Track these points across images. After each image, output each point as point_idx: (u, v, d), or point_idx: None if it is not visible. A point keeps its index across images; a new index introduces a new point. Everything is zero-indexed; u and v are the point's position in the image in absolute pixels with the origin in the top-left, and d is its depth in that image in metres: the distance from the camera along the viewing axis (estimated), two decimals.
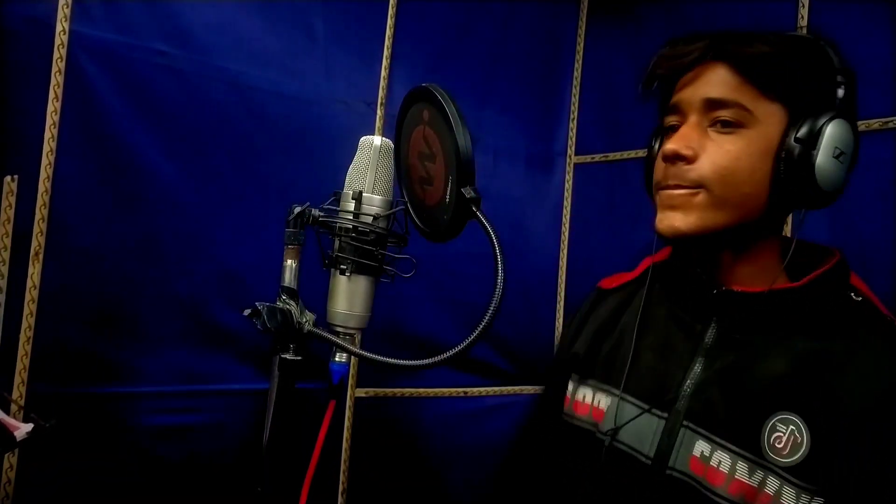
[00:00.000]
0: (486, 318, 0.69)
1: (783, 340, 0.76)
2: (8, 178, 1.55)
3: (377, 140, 0.84)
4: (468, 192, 0.75)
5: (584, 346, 0.95)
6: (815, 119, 0.73)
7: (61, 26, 1.62)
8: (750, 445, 0.73)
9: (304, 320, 0.78)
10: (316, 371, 0.84)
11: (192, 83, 1.82)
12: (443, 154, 0.79)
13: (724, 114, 0.75)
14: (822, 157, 0.72)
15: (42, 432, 1.30)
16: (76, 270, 1.66)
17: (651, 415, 0.82)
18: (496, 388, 2.29)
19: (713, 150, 0.75)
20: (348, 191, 0.82)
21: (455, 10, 2.28)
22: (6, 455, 1.53)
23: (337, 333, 0.81)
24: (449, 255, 1.04)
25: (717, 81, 0.76)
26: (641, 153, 2.36)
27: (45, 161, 1.60)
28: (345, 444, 2.09)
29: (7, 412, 1.39)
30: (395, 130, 0.90)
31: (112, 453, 1.68)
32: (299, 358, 0.78)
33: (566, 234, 2.42)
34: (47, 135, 1.60)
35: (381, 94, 2.15)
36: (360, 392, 2.11)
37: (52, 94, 1.61)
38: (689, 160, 0.76)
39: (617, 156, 2.42)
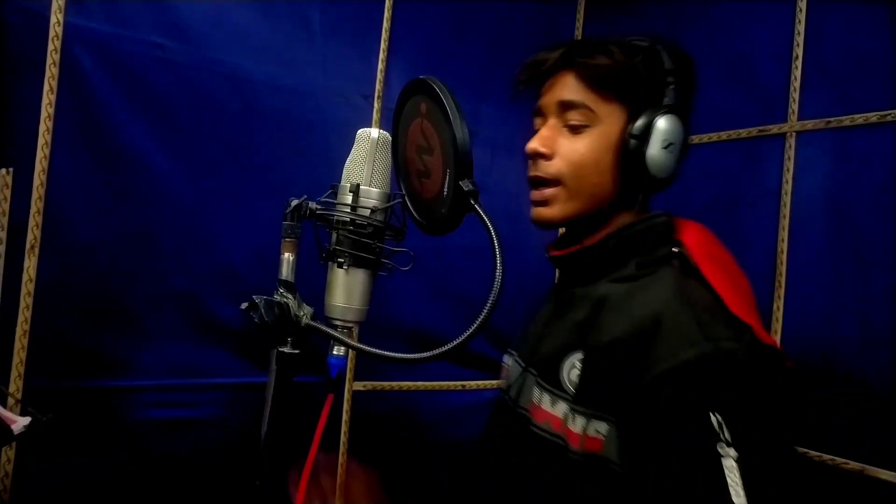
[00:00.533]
0: (485, 311, 0.69)
1: (587, 290, 0.88)
2: (3, 170, 1.54)
3: (374, 132, 0.83)
4: (466, 186, 0.75)
5: (523, 326, 1.07)
6: (648, 116, 0.84)
7: (56, 18, 1.61)
8: (552, 381, 0.84)
9: (302, 314, 0.78)
10: (314, 364, 0.84)
11: (189, 76, 1.81)
12: (440, 147, 0.78)
13: (574, 115, 0.86)
14: (653, 148, 0.84)
15: (39, 426, 1.30)
16: (72, 264, 1.65)
17: (518, 366, 0.97)
18: (494, 382, 2.29)
19: (566, 148, 0.86)
20: (346, 184, 0.82)
21: (453, 3, 2.27)
22: (3, 448, 1.53)
23: (335, 327, 0.81)
24: (447, 249, 1.05)
25: (568, 86, 0.87)
26: None
27: (40, 154, 1.59)
28: (343, 438, 2.09)
29: (4, 406, 1.38)
30: (393, 123, 0.90)
31: (109, 447, 1.68)
32: (297, 351, 0.77)
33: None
34: (42, 127, 1.60)
35: (378, 86, 2.14)
36: (358, 385, 2.11)
37: (46, 87, 1.60)
38: (548, 157, 0.87)
39: None
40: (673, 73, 0.87)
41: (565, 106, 0.87)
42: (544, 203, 0.88)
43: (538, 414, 0.85)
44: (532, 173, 0.88)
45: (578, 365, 0.81)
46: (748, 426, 0.68)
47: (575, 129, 0.86)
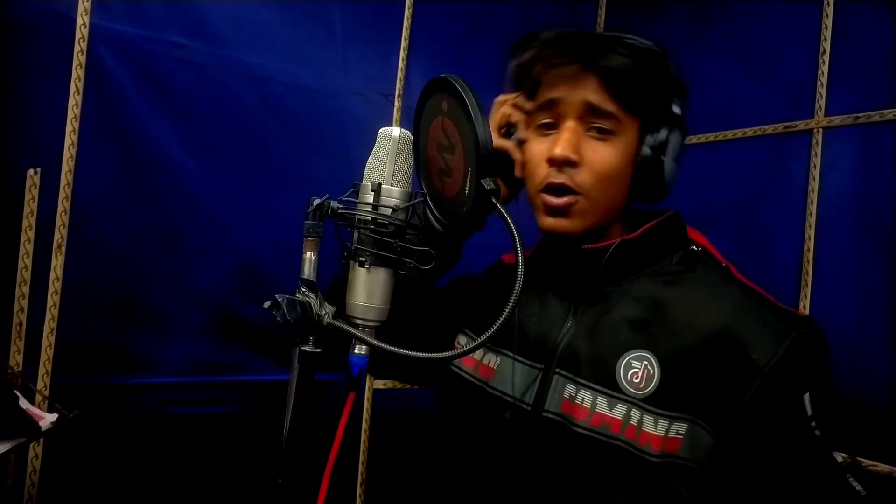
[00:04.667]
0: (507, 309, 0.69)
1: (632, 288, 0.86)
2: (31, 171, 1.57)
3: (396, 131, 0.83)
4: (488, 184, 0.74)
5: (478, 310, 0.99)
6: (664, 130, 0.84)
7: (82, 20, 1.63)
8: (608, 383, 0.81)
9: (324, 312, 0.78)
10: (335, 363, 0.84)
11: (211, 76, 1.83)
12: (462, 145, 0.78)
13: (600, 122, 0.82)
14: (669, 161, 0.84)
15: (66, 422, 1.32)
16: (98, 262, 1.68)
17: (533, 368, 0.89)
18: None
19: (591, 157, 0.82)
20: (367, 182, 0.81)
21: (472, 2, 2.27)
22: (31, 444, 1.55)
23: (356, 326, 0.81)
24: (466, 247, 1.05)
25: (593, 90, 0.82)
26: None
27: (66, 154, 1.62)
28: (363, 436, 2.10)
29: (32, 402, 1.41)
30: (414, 122, 0.90)
31: (133, 443, 1.70)
32: (319, 350, 0.77)
33: None
34: (69, 128, 1.62)
35: (398, 85, 2.14)
36: (379, 384, 2.12)
37: (73, 88, 1.62)
38: (576, 164, 0.82)
39: None
40: (678, 83, 0.87)
41: (593, 111, 0.82)
42: (563, 212, 0.83)
43: (583, 415, 0.81)
44: (556, 180, 0.82)
45: (636, 365, 0.80)
46: (823, 399, 0.75)
47: (600, 137, 0.83)
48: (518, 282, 0.70)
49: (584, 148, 0.82)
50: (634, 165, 0.84)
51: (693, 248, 0.88)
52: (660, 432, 0.77)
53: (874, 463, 1.70)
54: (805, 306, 1.90)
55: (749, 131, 2.12)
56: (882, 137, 1.81)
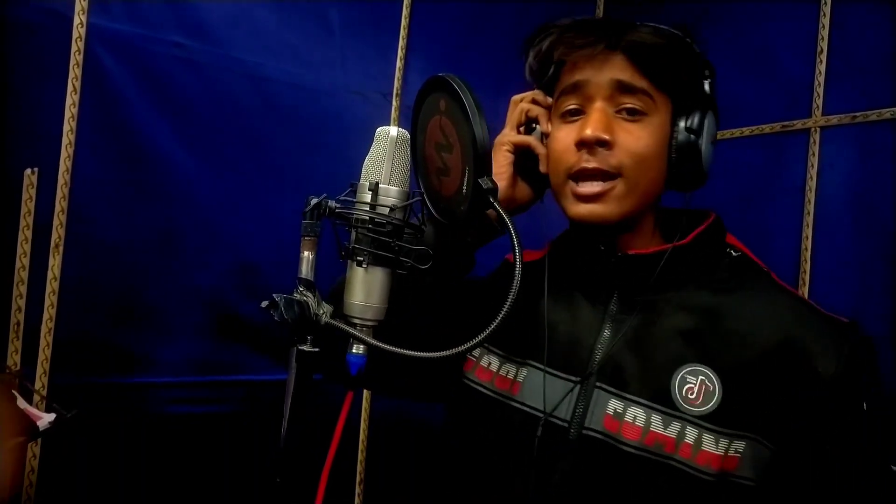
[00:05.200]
0: (505, 308, 0.69)
1: (679, 297, 0.81)
2: (28, 171, 1.57)
3: (393, 130, 0.83)
4: (485, 183, 0.74)
5: (484, 313, 0.90)
6: (698, 111, 0.80)
7: (79, 19, 1.62)
8: (662, 399, 0.76)
9: (322, 312, 0.78)
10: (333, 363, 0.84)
11: (209, 75, 1.83)
12: (460, 144, 0.78)
13: (631, 100, 0.79)
14: (706, 144, 0.81)
15: (64, 422, 1.32)
16: (96, 262, 1.67)
17: (567, 381, 0.83)
18: None
19: (625, 138, 0.79)
20: (365, 182, 0.81)
21: (471, 1, 2.27)
22: (29, 444, 1.55)
23: (354, 325, 0.81)
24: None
25: (622, 68, 0.79)
26: None
27: (64, 154, 1.61)
28: (362, 436, 2.10)
29: (30, 402, 1.40)
30: (412, 121, 0.89)
31: (132, 442, 1.70)
32: (317, 349, 0.77)
33: None
34: (66, 127, 1.62)
35: (396, 84, 2.14)
36: None
37: (70, 87, 1.62)
38: (610, 146, 0.78)
39: None
40: (706, 61, 0.84)
41: (623, 88, 0.79)
42: (597, 198, 0.79)
43: (634, 434, 0.76)
44: (588, 165, 0.79)
45: (691, 380, 0.76)
46: (879, 402, 0.74)
47: (631, 118, 0.79)
48: (515, 285, 0.68)
49: (616, 129, 0.79)
50: (670, 149, 0.80)
51: (732, 253, 0.85)
52: (720, 451, 0.73)
53: None
54: None
55: (747, 130, 2.12)
56: (879, 136, 1.81)
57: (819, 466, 0.74)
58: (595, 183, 0.80)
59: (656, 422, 0.76)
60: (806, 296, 1.90)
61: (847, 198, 1.88)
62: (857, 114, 1.85)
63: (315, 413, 0.84)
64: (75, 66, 1.62)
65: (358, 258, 0.80)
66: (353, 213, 0.81)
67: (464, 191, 0.77)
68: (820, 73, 1.94)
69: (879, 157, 1.82)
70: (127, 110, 1.71)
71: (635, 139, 0.79)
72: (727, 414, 0.74)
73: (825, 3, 1.95)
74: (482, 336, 0.68)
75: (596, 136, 0.78)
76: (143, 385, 1.74)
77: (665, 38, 0.80)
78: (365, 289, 0.81)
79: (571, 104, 0.83)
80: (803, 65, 1.99)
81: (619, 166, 0.79)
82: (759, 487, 0.73)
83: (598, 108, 0.80)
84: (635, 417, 0.77)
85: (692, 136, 0.80)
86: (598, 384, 0.81)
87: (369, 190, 0.80)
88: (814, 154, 1.94)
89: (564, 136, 0.83)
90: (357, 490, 2.08)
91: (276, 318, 0.75)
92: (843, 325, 0.78)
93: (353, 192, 0.83)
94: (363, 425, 2.10)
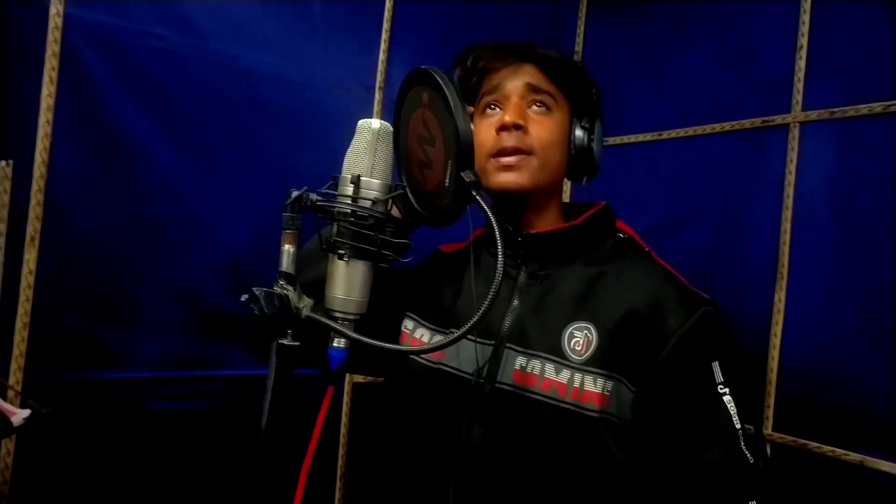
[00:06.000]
0: (486, 303, 0.70)
1: (573, 268, 0.96)
2: (3, 163, 1.54)
3: (375, 123, 0.82)
4: (468, 176, 0.74)
5: (422, 295, 1.08)
6: (591, 115, 0.99)
7: (56, 9, 1.60)
8: (555, 351, 0.90)
9: (302, 305, 0.77)
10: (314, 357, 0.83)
11: (190, 67, 1.81)
12: (442, 138, 0.78)
13: (540, 97, 0.95)
14: (597, 142, 0.98)
15: (39, 418, 1.30)
16: (73, 256, 1.65)
17: (483, 345, 0.96)
18: None
19: (535, 126, 0.94)
20: (347, 175, 0.81)
21: None
22: (3, 441, 1.53)
23: (335, 319, 0.80)
24: (447, 240, 1.06)
25: (533, 75, 0.96)
26: (642, 137, 2.38)
27: (40, 146, 1.59)
28: (343, 430, 2.09)
29: (4, 398, 1.38)
30: (395, 113, 0.89)
31: (109, 439, 1.68)
32: (297, 343, 0.77)
33: None
34: (42, 119, 1.59)
35: (379, 77, 2.13)
36: (359, 378, 2.11)
37: (46, 79, 1.59)
38: (524, 130, 0.92)
39: (617, 140, 2.41)
40: (595, 86, 1.01)
41: (533, 90, 0.95)
42: (515, 168, 0.92)
43: (533, 381, 0.90)
44: (508, 143, 0.92)
45: (578, 334, 0.90)
46: (734, 369, 0.88)
47: (540, 111, 0.95)
48: (498, 274, 0.71)
49: (528, 119, 0.94)
50: (569, 143, 0.97)
51: (620, 236, 1.00)
52: (598, 389, 0.86)
53: (846, 452, 1.74)
54: (781, 299, 1.92)
55: (727, 126, 2.14)
56: (858, 132, 1.83)
57: (666, 408, 0.85)
58: (513, 157, 0.92)
59: (549, 370, 0.90)
60: (784, 289, 1.93)
61: (826, 193, 1.90)
62: (836, 109, 1.87)
63: (295, 407, 0.83)
64: (52, 58, 1.59)
65: (339, 251, 0.80)
66: (334, 207, 0.80)
67: (446, 184, 0.77)
68: (800, 68, 1.96)
69: (858, 152, 1.84)
70: (105, 102, 1.68)
71: (543, 127, 0.94)
72: (601, 358, 0.88)
73: (804, 10, 1.97)
74: (467, 327, 0.72)
75: (514, 121, 0.92)
76: (121, 381, 1.72)
77: (564, 55, 0.99)
78: (346, 282, 0.81)
79: (491, 100, 0.97)
80: (783, 60, 2.00)
81: (531, 147, 0.93)
82: (627, 428, 0.86)
83: (514, 102, 0.95)
84: (533, 367, 0.91)
85: (585, 133, 0.97)
86: (507, 345, 0.95)
87: (351, 183, 0.80)
88: (793, 149, 1.96)
89: (486, 127, 0.95)
90: (338, 484, 2.08)
91: (256, 312, 0.75)
92: (702, 297, 0.91)
93: (335, 185, 0.82)
94: (344, 419, 2.09)
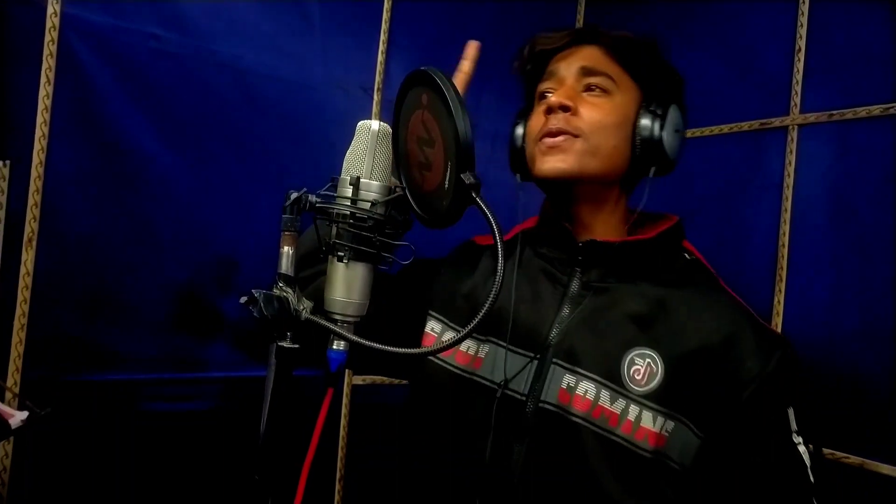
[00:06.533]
0: (486, 305, 0.69)
1: (635, 285, 0.88)
2: (0, 163, 1.53)
3: (375, 124, 0.82)
4: (468, 178, 0.74)
5: (450, 293, 0.99)
6: (664, 99, 0.90)
7: (53, 8, 1.59)
8: (611, 377, 0.83)
9: (302, 307, 0.77)
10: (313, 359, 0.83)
11: (187, 67, 1.80)
12: (442, 139, 0.77)
13: (595, 80, 0.89)
14: (667, 130, 0.88)
15: (37, 420, 1.29)
16: (70, 256, 1.64)
17: (525, 357, 0.89)
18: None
19: (587, 107, 0.88)
20: (346, 176, 0.81)
21: None
22: (1, 443, 1.52)
23: (335, 321, 0.80)
24: (448, 242, 1.05)
25: (590, 56, 0.90)
26: None
27: (37, 146, 1.58)
28: (342, 432, 2.09)
29: (2, 400, 1.38)
30: (394, 115, 0.89)
31: (107, 440, 1.67)
32: (296, 346, 0.76)
33: None
34: (39, 119, 1.58)
35: (378, 78, 2.13)
36: (358, 380, 2.11)
37: (43, 78, 1.59)
38: (572, 111, 0.88)
39: None
40: (674, 72, 0.94)
41: (588, 72, 0.89)
42: (556, 151, 0.88)
43: (583, 406, 0.83)
44: (553, 125, 0.87)
45: (639, 362, 0.83)
46: (805, 412, 0.81)
47: (595, 94, 0.89)
48: (498, 277, 0.69)
49: (580, 101, 0.88)
50: (634, 131, 0.88)
51: (686, 256, 0.93)
52: (656, 428, 0.80)
53: (846, 455, 1.73)
54: (780, 301, 1.92)
55: (726, 128, 2.14)
56: (856, 134, 1.83)
57: (739, 458, 0.80)
58: (557, 138, 0.87)
59: (604, 397, 0.82)
60: (782, 291, 1.93)
61: (824, 195, 1.90)
62: (835, 112, 1.87)
63: (295, 410, 0.83)
64: (49, 57, 1.59)
65: (339, 254, 0.80)
66: (333, 208, 0.80)
67: (446, 186, 0.77)
68: (798, 70, 1.96)
69: (856, 154, 1.84)
70: (102, 102, 1.68)
71: (596, 109, 0.88)
72: (666, 394, 0.80)
73: (803, 1, 1.97)
74: (468, 329, 0.69)
75: (559, 102, 0.87)
76: (118, 382, 1.71)
77: (635, 35, 0.92)
78: (346, 285, 0.80)
79: (546, 88, 0.93)
80: (782, 62, 2.00)
81: (579, 129, 0.87)
82: (686, 473, 0.79)
83: (565, 86, 0.90)
84: (586, 391, 0.83)
85: (655, 119, 0.88)
86: (554, 360, 0.87)
87: (350, 184, 0.80)
88: (791, 151, 1.96)
89: (537, 114, 0.92)
90: (337, 487, 2.07)
91: (255, 315, 0.74)
92: (776, 335, 0.86)
93: (334, 187, 0.82)
94: (343, 421, 2.09)
